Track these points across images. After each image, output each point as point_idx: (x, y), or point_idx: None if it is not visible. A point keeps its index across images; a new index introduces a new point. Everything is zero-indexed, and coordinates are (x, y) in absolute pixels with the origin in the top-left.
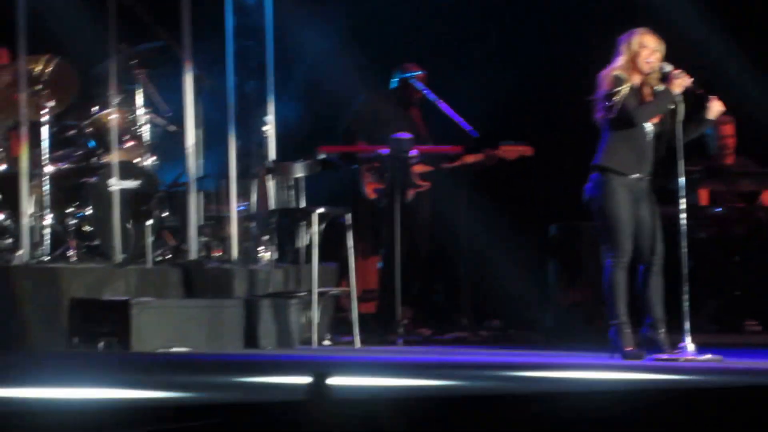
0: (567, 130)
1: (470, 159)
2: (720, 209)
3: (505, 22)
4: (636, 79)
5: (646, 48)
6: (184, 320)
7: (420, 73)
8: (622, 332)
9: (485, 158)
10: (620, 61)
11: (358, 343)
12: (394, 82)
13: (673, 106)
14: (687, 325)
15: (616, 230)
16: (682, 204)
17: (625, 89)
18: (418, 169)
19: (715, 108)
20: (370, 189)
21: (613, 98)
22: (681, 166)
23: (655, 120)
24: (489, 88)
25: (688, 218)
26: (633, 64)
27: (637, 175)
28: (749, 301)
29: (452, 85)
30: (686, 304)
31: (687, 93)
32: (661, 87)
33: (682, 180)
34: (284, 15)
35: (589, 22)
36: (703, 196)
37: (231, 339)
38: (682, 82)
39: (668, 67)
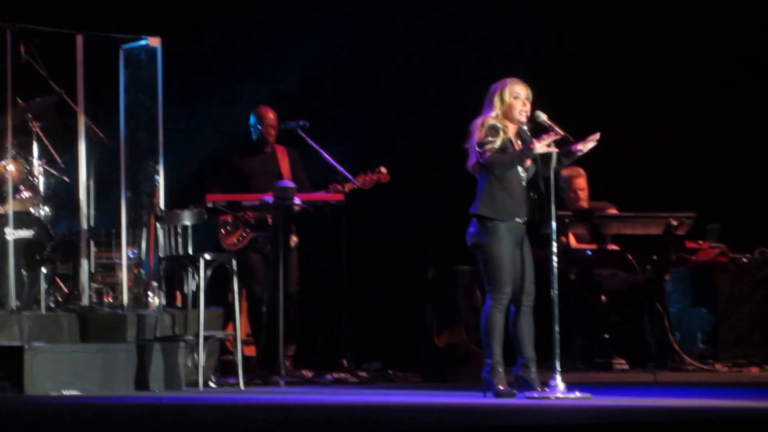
0: (446, 175)
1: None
2: (589, 252)
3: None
4: (511, 129)
5: (518, 98)
6: (76, 364)
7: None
8: (495, 371)
9: (333, 192)
10: (494, 111)
11: (242, 385)
12: (252, 128)
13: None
14: (557, 364)
15: (499, 273)
16: (554, 247)
17: (497, 142)
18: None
19: (588, 147)
20: (228, 242)
21: (485, 146)
22: (553, 210)
23: (528, 164)
24: (368, 135)
25: (558, 260)
26: (508, 115)
27: (517, 219)
28: (617, 340)
29: (331, 132)
30: (557, 344)
31: (558, 138)
32: (527, 134)
33: (554, 224)
34: (174, 69)
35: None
36: (571, 239)
37: (122, 382)
38: (544, 144)
39: (543, 116)
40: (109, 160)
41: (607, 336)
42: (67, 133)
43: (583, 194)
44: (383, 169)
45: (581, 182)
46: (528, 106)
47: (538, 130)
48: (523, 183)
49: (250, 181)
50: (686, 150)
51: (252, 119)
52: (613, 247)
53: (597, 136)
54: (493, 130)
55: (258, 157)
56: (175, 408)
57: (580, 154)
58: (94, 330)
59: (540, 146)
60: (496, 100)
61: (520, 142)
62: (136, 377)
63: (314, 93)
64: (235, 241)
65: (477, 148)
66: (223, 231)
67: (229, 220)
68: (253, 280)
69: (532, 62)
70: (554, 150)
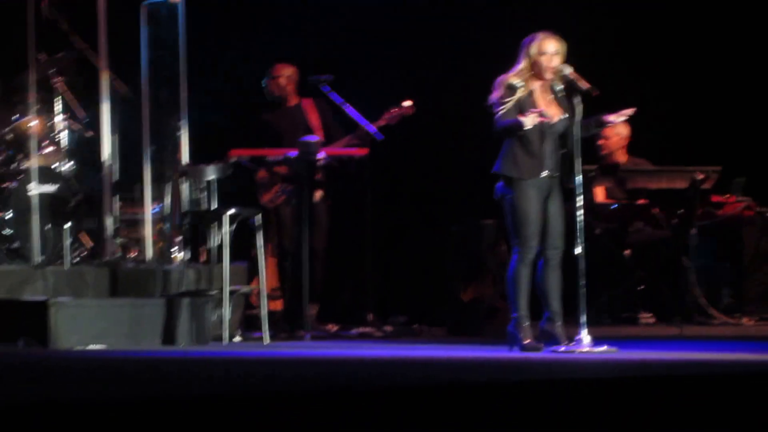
0: (472, 129)
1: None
2: (615, 206)
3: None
4: (536, 85)
5: (545, 54)
6: (101, 319)
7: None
8: (521, 325)
9: (358, 140)
10: (520, 66)
11: (267, 339)
12: (269, 87)
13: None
14: (583, 318)
15: (524, 228)
16: (580, 201)
17: (511, 102)
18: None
19: (620, 119)
20: (266, 199)
21: (501, 107)
22: (578, 164)
23: (555, 120)
24: (392, 90)
25: (584, 214)
26: (533, 71)
27: (543, 174)
28: (643, 294)
29: (355, 87)
30: (582, 298)
31: (582, 92)
32: (560, 87)
33: (579, 178)
34: (197, 25)
35: (501, 26)
36: (600, 194)
37: (148, 337)
38: (534, 118)
39: (567, 69)
40: (133, 115)
41: (638, 289)
42: (90, 88)
43: (609, 143)
44: (407, 102)
45: (608, 131)
46: (556, 62)
47: (568, 84)
48: (549, 138)
49: (280, 136)
50: (712, 103)
51: (265, 80)
52: (642, 202)
53: (631, 111)
54: (509, 90)
55: (285, 112)
56: (201, 362)
57: (609, 124)
58: (119, 285)
59: (527, 121)
60: (524, 56)
61: (550, 97)
62: (162, 332)
63: (338, 47)
64: (272, 197)
65: (495, 108)
66: (260, 188)
67: (266, 176)
68: (284, 234)
69: (563, 16)
70: (544, 120)
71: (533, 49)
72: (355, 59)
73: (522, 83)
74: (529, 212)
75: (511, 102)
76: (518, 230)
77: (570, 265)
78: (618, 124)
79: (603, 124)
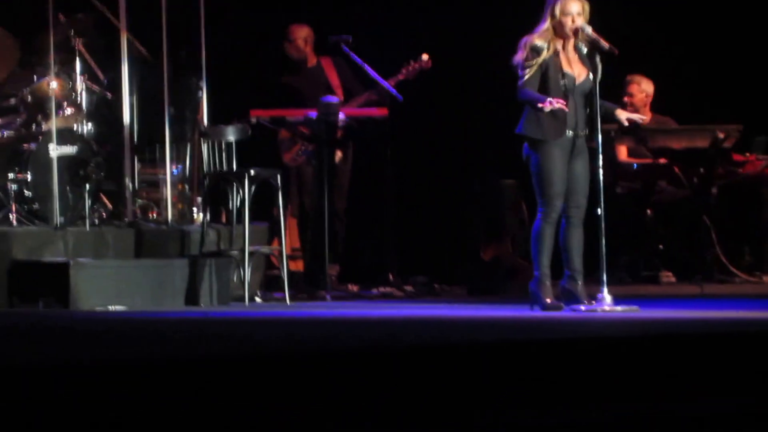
0: (493, 88)
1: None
2: (636, 165)
3: None
4: (560, 44)
5: (568, 15)
6: (122, 280)
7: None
8: (542, 284)
9: (377, 96)
10: (544, 26)
11: (288, 300)
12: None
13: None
14: (604, 277)
15: (549, 187)
16: (600, 160)
17: (536, 65)
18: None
19: (629, 115)
20: (287, 158)
21: (525, 70)
22: (598, 123)
23: (581, 79)
24: (412, 47)
25: (605, 174)
26: (556, 31)
27: (569, 133)
28: (664, 253)
29: (374, 46)
30: (603, 257)
31: (603, 51)
32: (584, 48)
33: (600, 138)
34: None
35: None
36: (622, 152)
37: (170, 298)
38: (552, 105)
39: (588, 29)
40: (152, 77)
41: (659, 248)
42: (109, 49)
43: (634, 101)
44: (425, 56)
45: (633, 88)
46: (579, 22)
47: (590, 44)
48: (572, 98)
49: (302, 97)
50: (734, 61)
51: (285, 42)
52: (662, 161)
53: (641, 118)
54: (534, 52)
55: (305, 73)
56: (223, 323)
57: (617, 120)
58: (140, 246)
59: (546, 107)
60: (548, 15)
61: (575, 56)
62: (185, 293)
63: (356, 5)
64: (294, 156)
65: (519, 71)
66: (282, 148)
67: (288, 136)
68: (305, 195)
69: None
70: (563, 107)
71: (557, 9)
72: (372, 17)
73: (546, 44)
74: (554, 172)
75: (535, 65)
76: (543, 190)
77: (592, 223)
78: (644, 81)
79: (612, 117)
